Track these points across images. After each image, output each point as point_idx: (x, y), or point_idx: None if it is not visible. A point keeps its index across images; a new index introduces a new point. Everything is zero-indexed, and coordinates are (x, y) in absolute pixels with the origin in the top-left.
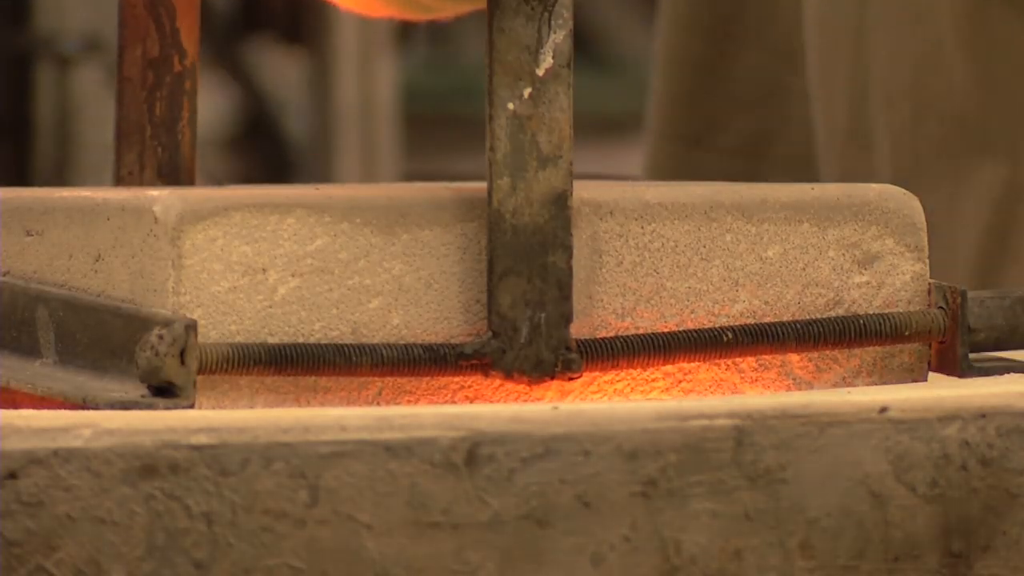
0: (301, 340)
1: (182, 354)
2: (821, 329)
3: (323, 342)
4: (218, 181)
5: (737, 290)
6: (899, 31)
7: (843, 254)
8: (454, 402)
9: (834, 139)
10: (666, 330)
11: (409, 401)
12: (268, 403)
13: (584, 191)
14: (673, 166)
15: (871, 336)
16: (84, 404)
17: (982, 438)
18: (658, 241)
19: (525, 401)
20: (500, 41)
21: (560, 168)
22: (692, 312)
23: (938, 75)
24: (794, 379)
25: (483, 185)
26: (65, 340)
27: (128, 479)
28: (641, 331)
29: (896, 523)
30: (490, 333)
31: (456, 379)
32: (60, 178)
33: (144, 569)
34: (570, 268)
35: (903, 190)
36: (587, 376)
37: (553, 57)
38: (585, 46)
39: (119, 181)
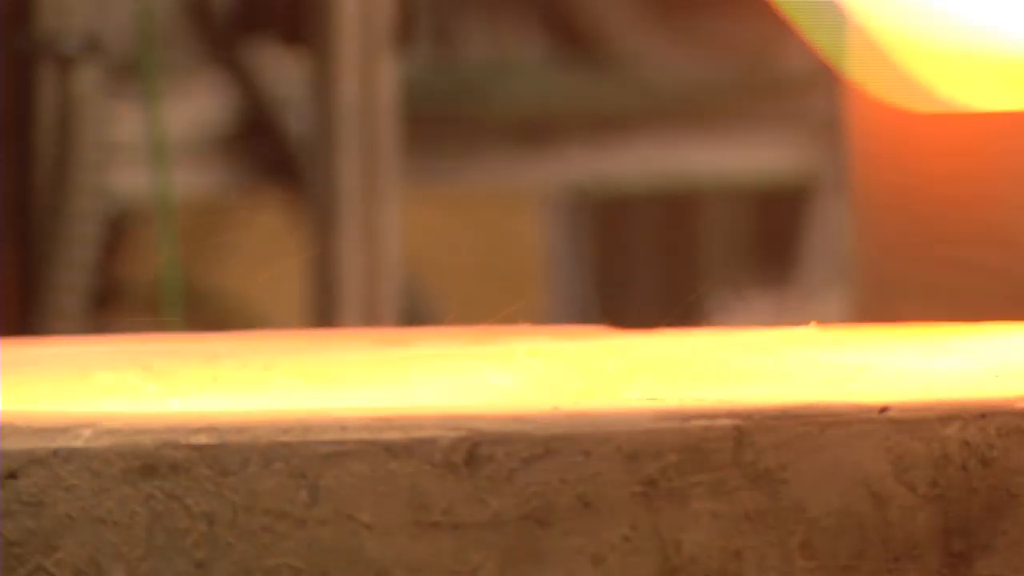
0: None
1: None
2: None
3: None
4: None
5: None
6: None
7: None
8: None
9: None
10: None
11: None
12: None
13: None
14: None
15: None
16: None
17: (982, 438)
18: None
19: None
20: None
21: None
22: None
23: None
24: None
25: None
26: None
27: (128, 479)
28: None
29: (896, 523)
30: None
31: None
32: (60, 178)
33: (144, 569)
34: None
35: None
36: None
37: None
38: (584, 45)
39: None
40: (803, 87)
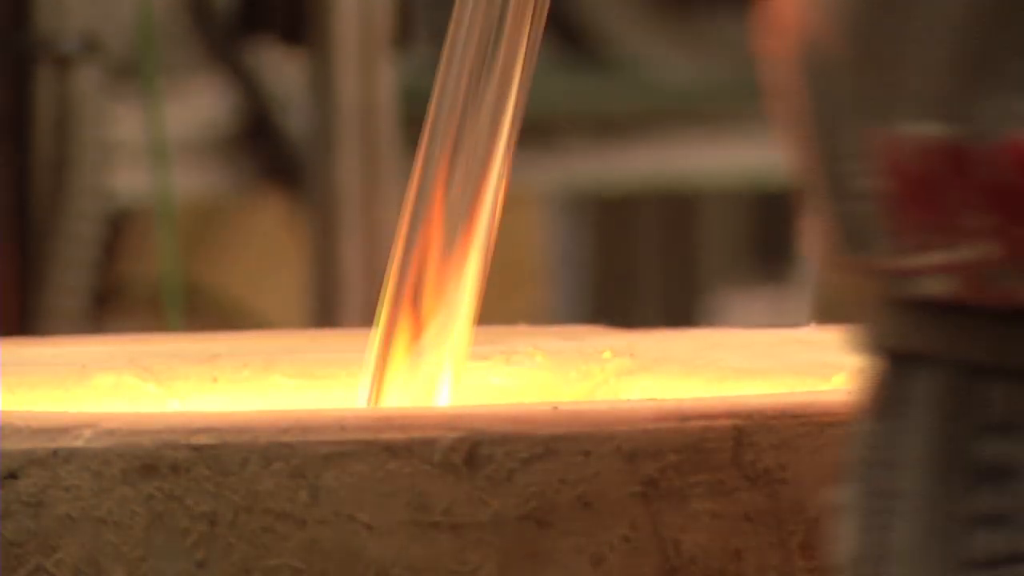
0: None
1: None
2: None
3: None
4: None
5: None
6: None
7: None
8: None
9: None
10: None
11: None
12: None
13: None
14: None
15: None
16: None
17: None
18: None
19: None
20: None
21: None
22: None
23: None
24: None
25: None
26: None
27: (128, 479)
28: None
29: None
30: None
31: None
32: (59, 178)
33: (144, 569)
34: None
35: None
36: None
37: None
38: (585, 46)
39: None
40: None
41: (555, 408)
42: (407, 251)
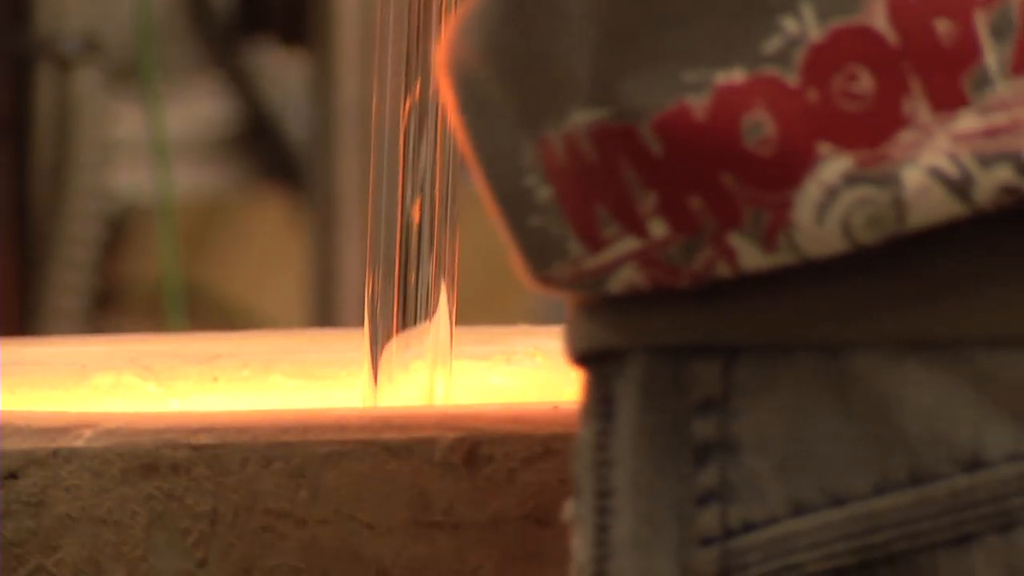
0: None
1: None
2: None
3: None
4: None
5: None
6: None
7: None
8: None
9: None
10: None
11: None
12: None
13: None
14: None
15: None
16: None
17: None
18: None
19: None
20: None
21: None
22: None
23: None
24: None
25: None
26: None
27: (128, 479)
28: None
29: None
30: None
31: None
32: (59, 178)
33: (144, 569)
34: None
35: None
36: None
37: None
38: None
39: None
40: None
41: (555, 408)
42: (375, 252)
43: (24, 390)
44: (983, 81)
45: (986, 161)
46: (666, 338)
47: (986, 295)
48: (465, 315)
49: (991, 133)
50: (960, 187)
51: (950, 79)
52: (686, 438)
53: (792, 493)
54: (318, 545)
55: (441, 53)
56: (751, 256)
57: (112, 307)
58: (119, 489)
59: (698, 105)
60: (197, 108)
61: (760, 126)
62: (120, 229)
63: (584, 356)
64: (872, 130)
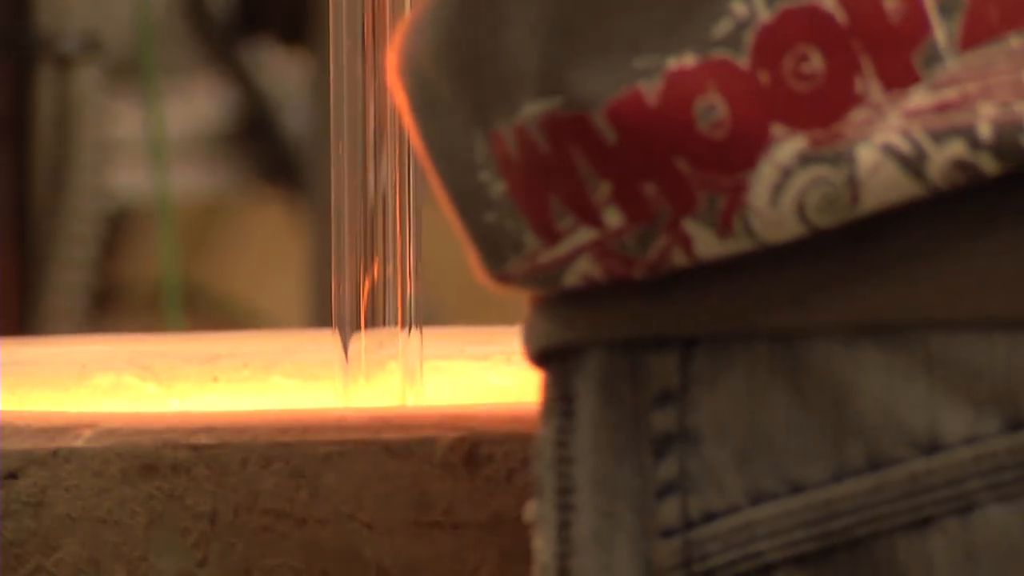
0: None
1: None
2: None
3: None
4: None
5: None
6: None
7: None
8: None
9: None
10: None
11: None
12: None
13: None
14: None
15: None
16: None
17: None
18: None
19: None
20: None
21: None
22: None
23: None
24: None
25: None
26: None
27: (128, 479)
28: None
29: None
30: None
31: None
32: (59, 178)
33: (144, 569)
34: None
35: None
36: None
37: None
38: None
39: None
40: None
41: None
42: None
43: (24, 390)
44: (933, 57)
45: (938, 136)
46: (623, 332)
47: (938, 278)
48: (465, 315)
49: (942, 109)
50: (913, 163)
51: (900, 56)
52: (645, 431)
53: (751, 482)
54: (318, 545)
55: (392, 55)
56: (706, 243)
57: (112, 307)
58: (119, 489)
59: (650, 90)
60: (197, 107)
61: (713, 109)
62: (120, 229)
63: (542, 354)
64: (824, 110)
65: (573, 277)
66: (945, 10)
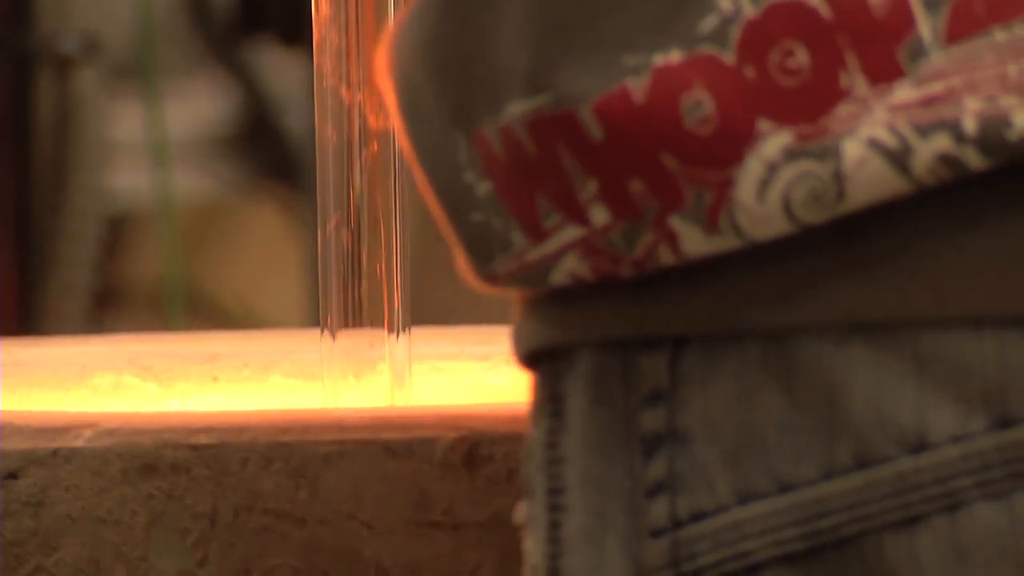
0: None
1: None
2: None
3: None
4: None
5: None
6: None
7: None
8: None
9: None
10: None
11: None
12: None
13: None
14: None
15: None
16: None
17: None
18: None
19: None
20: None
21: None
22: None
23: None
24: None
25: None
26: None
27: (128, 479)
28: None
29: None
30: None
31: None
32: (59, 178)
33: (144, 569)
34: None
35: None
36: None
37: None
38: None
39: None
40: None
41: None
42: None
43: (24, 390)
44: (918, 52)
45: (923, 130)
46: (612, 332)
47: (927, 275)
48: (465, 315)
49: (928, 102)
50: (899, 157)
51: (885, 51)
52: (635, 431)
53: (740, 481)
54: (318, 545)
55: (380, 55)
56: (692, 240)
57: (112, 307)
58: (119, 489)
59: (637, 87)
60: (197, 108)
61: (700, 105)
62: (120, 229)
63: (532, 355)
64: (810, 104)
65: (560, 275)
66: (930, 4)
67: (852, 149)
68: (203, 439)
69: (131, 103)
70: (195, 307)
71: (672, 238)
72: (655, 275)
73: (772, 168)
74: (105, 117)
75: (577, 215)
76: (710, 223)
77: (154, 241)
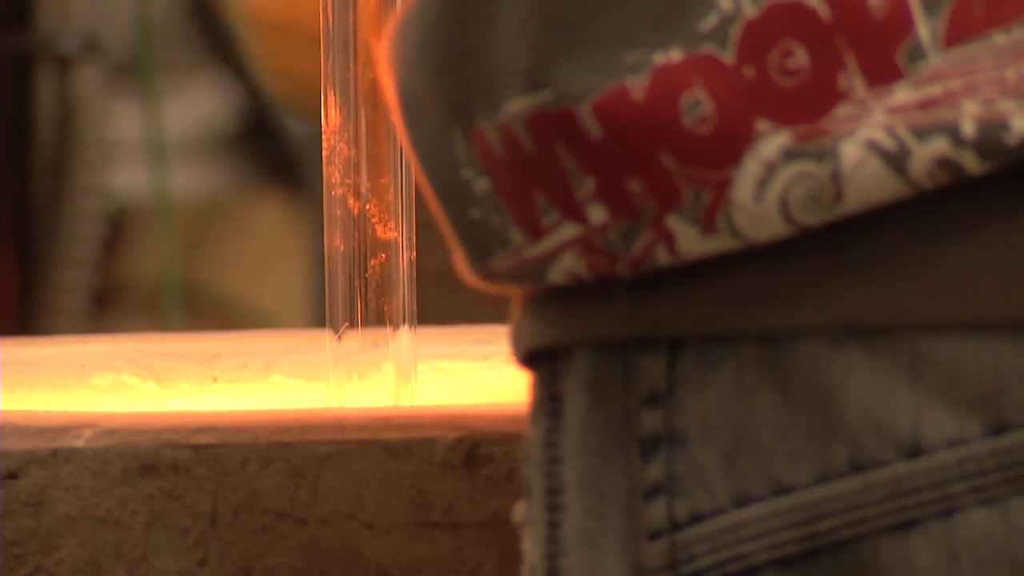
0: None
1: None
2: None
3: None
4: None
5: None
6: None
7: None
8: None
9: None
10: None
11: None
12: None
13: None
14: None
15: None
16: None
17: None
18: None
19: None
20: None
21: None
22: None
23: None
24: None
25: None
26: None
27: (128, 479)
28: None
29: None
30: None
31: None
32: (60, 178)
33: (144, 569)
34: None
35: None
36: None
37: None
38: None
39: None
40: None
41: None
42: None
43: (24, 390)
44: (917, 54)
45: (922, 133)
46: (610, 332)
47: (924, 279)
48: (466, 315)
49: (926, 105)
50: (896, 159)
51: (884, 53)
52: (633, 432)
53: (737, 484)
54: (318, 545)
55: (381, 50)
56: (689, 240)
57: (112, 307)
58: (119, 489)
59: (637, 86)
60: (197, 107)
61: (699, 104)
62: (120, 228)
63: (530, 355)
64: (809, 105)
65: (558, 273)
66: (929, 6)
67: (850, 151)
68: (203, 439)
69: (130, 102)
70: (195, 306)
71: (669, 238)
72: (652, 276)
73: (770, 168)
74: (104, 116)
75: (575, 213)
76: (707, 223)
77: (154, 240)
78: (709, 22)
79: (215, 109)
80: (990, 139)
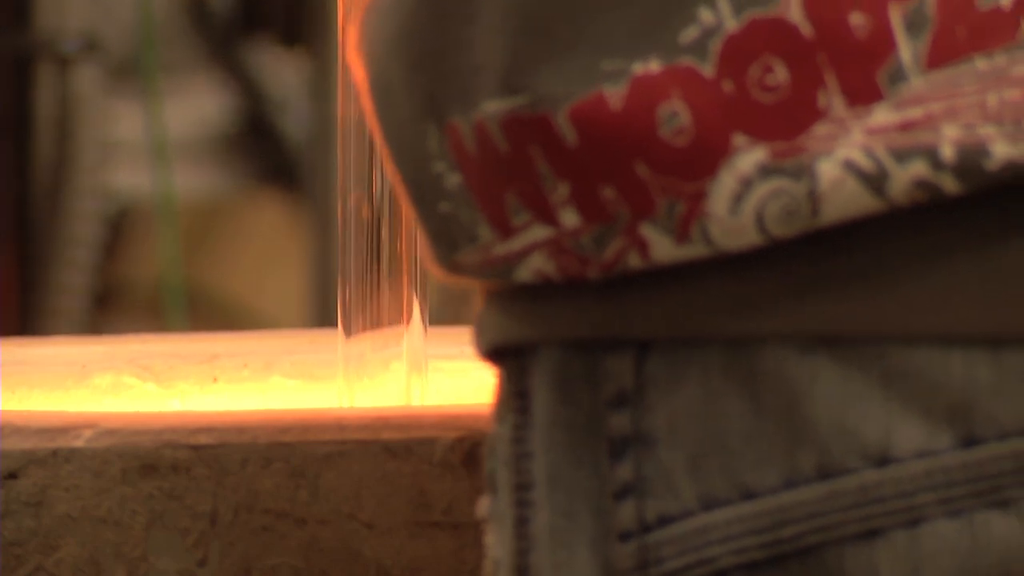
0: None
1: None
2: None
3: None
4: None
5: None
6: None
7: None
8: None
9: None
10: None
11: None
12: None
13: None
14: None
15: None
16: None
17: None
18: None
19: None
20: None
21: None
22: None
23: None
24: None
25: None
26: None
27: (128, 479)
28: None
29: None
30: None
31: None
32: (60, 178)
33: (144, 569)
34: None
35: None
36: None
37: None
38: None
39: None
40: None
41: None
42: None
43: (24, 390)
44: (898, 75)
45: (900, 155)
46: (578, 331)
47: (899, 292)
48: (465, 315)
49: (906, 127)
50: (874, 181)
51: (865, 73)
52: (602, 432)
53: (704, 487)
54: (318, 545)
55: (352, 37)
56: (663, 248)
57: (112, 307)
58: (119, 489)
59: (615, 94)
60: (197, 108)
61: (676, 116)
62: (120, 229)
63: (496, 350)
64: (787, 122)
65: (526, 272)
66: (912, 28)
67: (827, 170)
68: (203, 439)
69: (131, 102)
70: (195, 307)
71: (642, 245)
72: (621, 277)
73: (746, 183)
74: (105, 117)
75: (547, 216)
76: (681, 233)
77: (154, 241)
78: (690, 34)
79: (215, 110)
80: (969, 164)
